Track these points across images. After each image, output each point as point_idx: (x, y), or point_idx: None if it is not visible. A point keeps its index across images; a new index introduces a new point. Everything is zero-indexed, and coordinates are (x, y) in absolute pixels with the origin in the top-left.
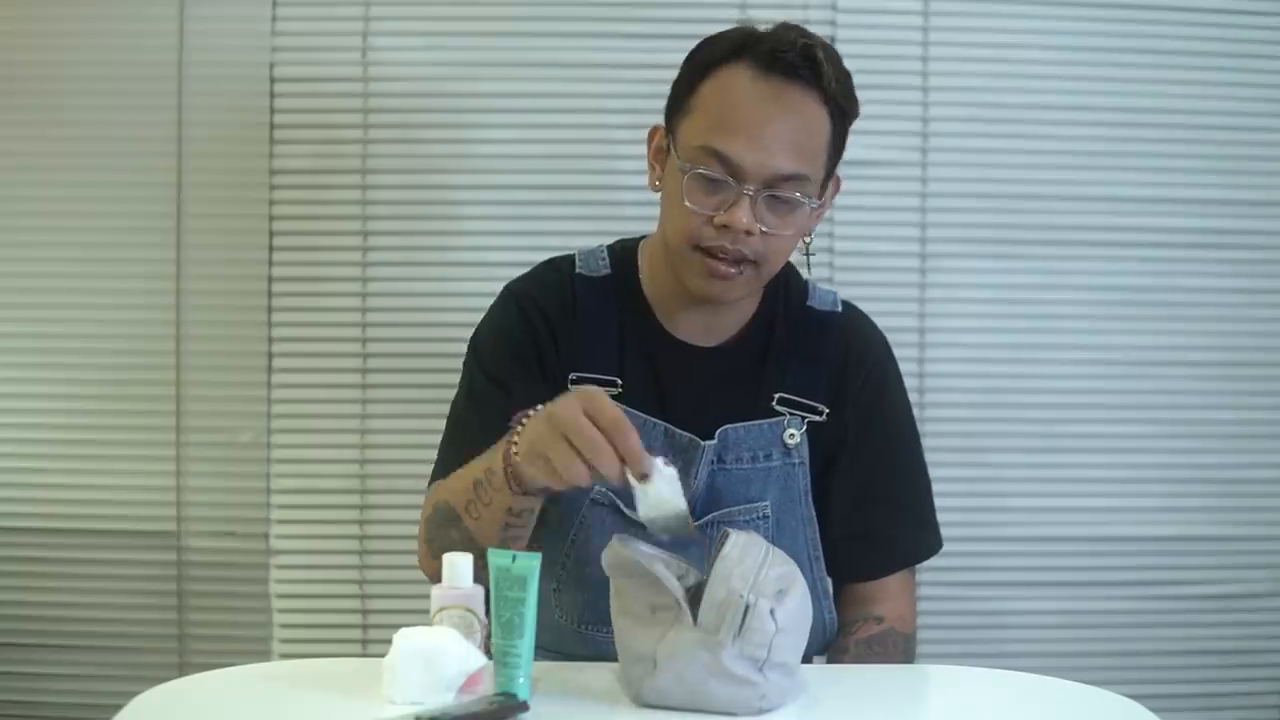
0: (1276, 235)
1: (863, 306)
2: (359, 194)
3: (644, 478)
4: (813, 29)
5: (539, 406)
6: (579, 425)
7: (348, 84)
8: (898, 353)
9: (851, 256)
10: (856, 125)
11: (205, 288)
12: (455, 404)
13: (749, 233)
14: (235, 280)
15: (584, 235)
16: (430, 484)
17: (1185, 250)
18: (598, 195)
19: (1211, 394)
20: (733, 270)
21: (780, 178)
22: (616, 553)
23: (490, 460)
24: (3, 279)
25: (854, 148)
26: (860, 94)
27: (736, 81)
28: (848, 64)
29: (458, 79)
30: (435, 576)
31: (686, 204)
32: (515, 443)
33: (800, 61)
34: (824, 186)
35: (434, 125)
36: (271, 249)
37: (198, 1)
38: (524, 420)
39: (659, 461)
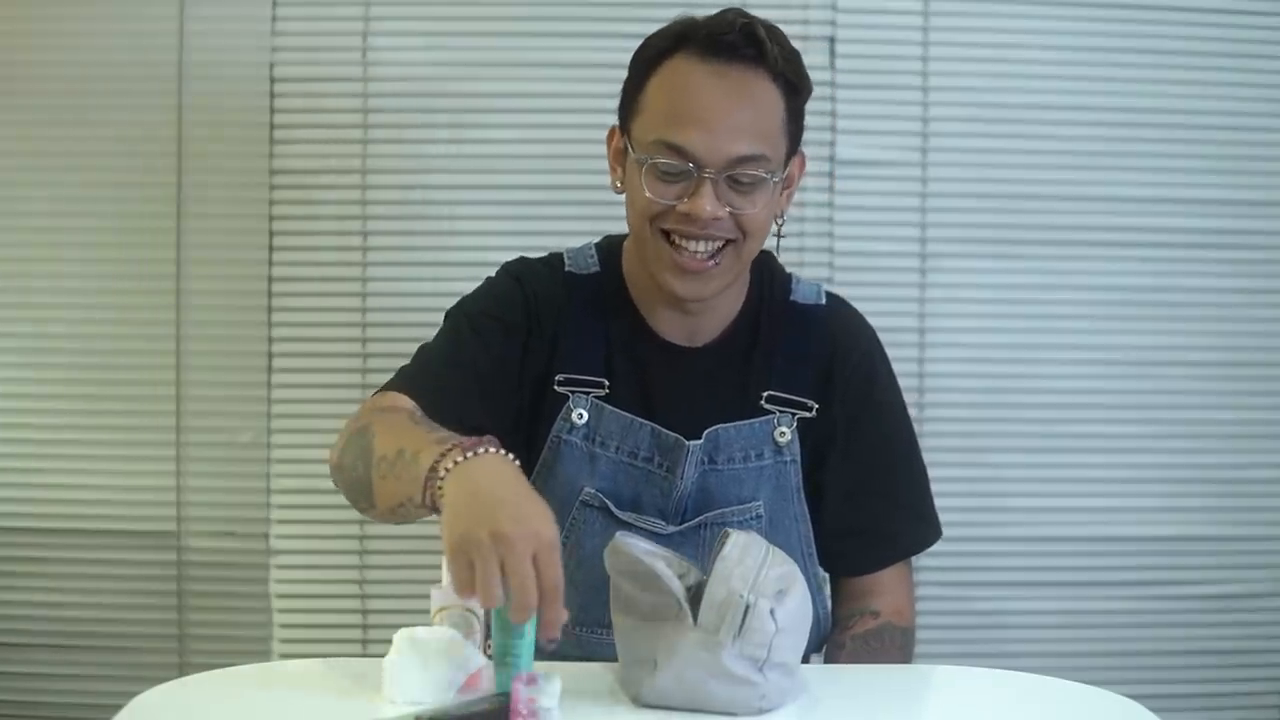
0: (1276, 235)
1: (862, 306)
2: (359, 194)
3: (551, 641)
4: (813, 29)
5: (495, 449)
6: (523, 571)
7: (348, 84)
8: (898, 353)
9: (851, 256)
10: (857, 125)
11: (205, 288)
12: (427, 343)
13: (715, 218)
14: (235, 280)
15: (583, 235)
16: (378, 392)
17: (1185, 250)
18: (597, 195)
19: (1211, 394)
20: (708, 263)
21: (737, 160)
22: (618, 551)
23: (423, 447)
24: (3, 279)
25: (854, 148)
26: (860, 94)
27: (682, 72)
28: (848, 64)
29: (458, 79)
30: (337, 472)
31: (649, 195)
32: (447, 472)
33: (742, 42)
34: (786, 163)
35: (434, 125)
36: (271, 249)
37: (198, 1)
38: (476, 452)
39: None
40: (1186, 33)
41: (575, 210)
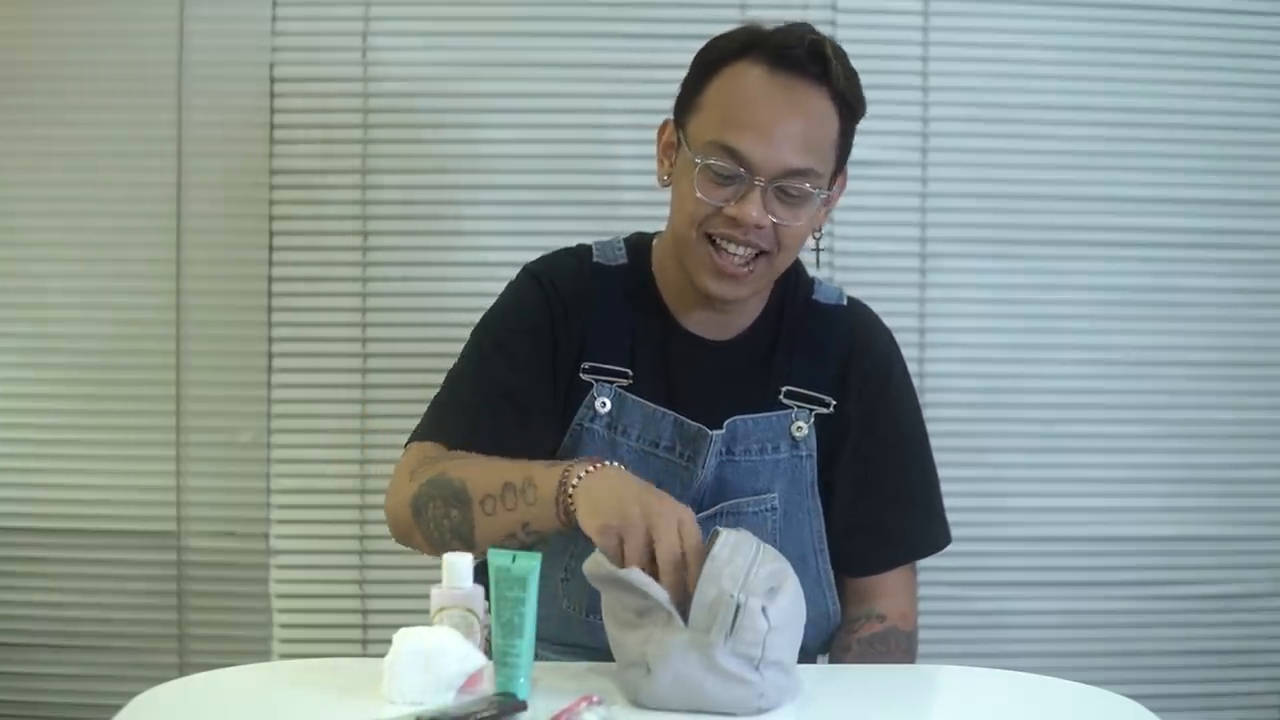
0: (1276, 235)
1: None
2: (359, 194)
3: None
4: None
5: (615, 463)
6: (670, 540)
7: (348, 84)
8: None
9: (851, 256)
10: (857, 125)
11: (205, 288)
12: (456, 367)
13: (759, 226)
14: (235, 280)
15: (584, 235)
16: (413, 439)
17: (1185, 250)
18: (598, 195)
19: (1211, 394)
20: (743, 269)
21: (790, 172)
22: (596, 564)
23: (535, 474)
24: (3, 279)
25: (854, 147)
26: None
27: (745, 78)
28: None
29: (458, 79)
30: (400, 526)
31: (699, 195)
32: (576, 484)
33: (808, 58)
34: (833, 180)
35: (434, 125)
36: (271, 249)
37: (198, 1)
38: (597, 465)
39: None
40: (1186, 33)
41: (575, 210)
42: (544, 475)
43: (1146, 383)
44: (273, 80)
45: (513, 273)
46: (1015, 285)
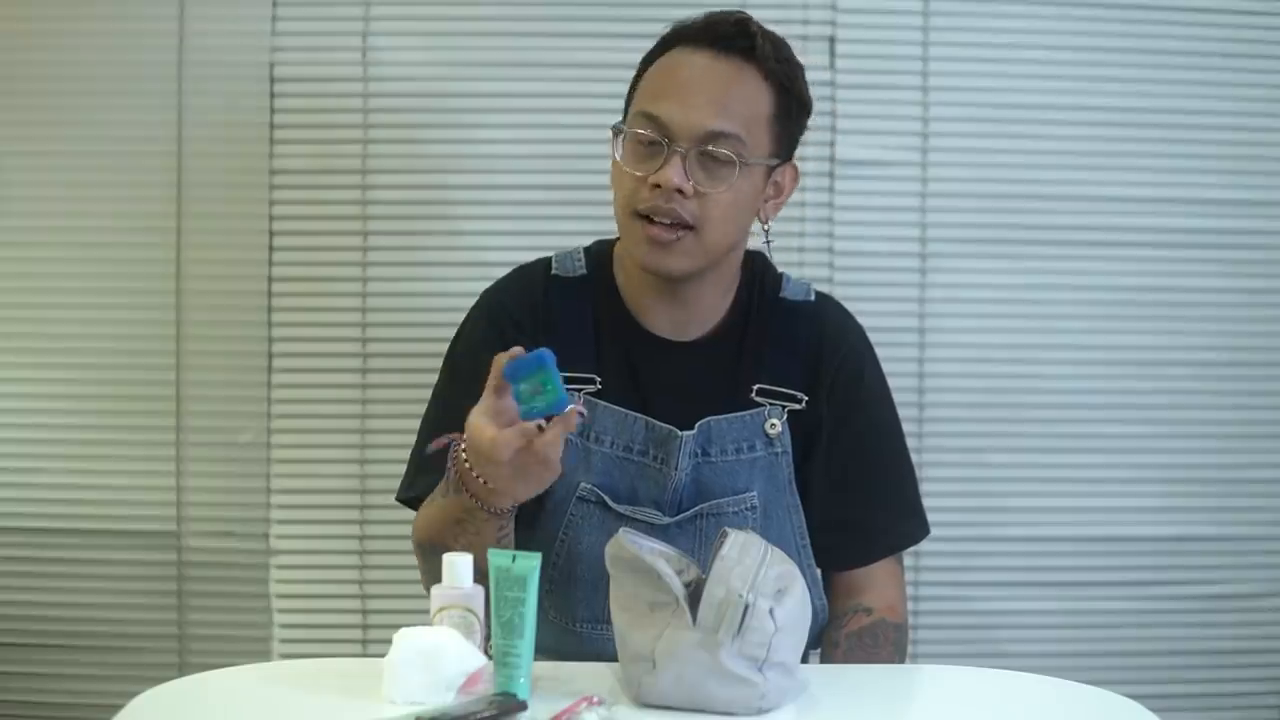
0: (1276, 235)
1: (862, 306)
2: (359, 194)
3: None
4: (812, 29)
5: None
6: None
7: (348, 84)
8: (898, 352)
9: (851, 256)
10: (856, 125)
11: (205, 288)
12: (427, 409)
13: (681, 191)
14: (235, 280)
15: (584, 235)
16: (399, 495)
17: (1185, 250)
18: (597, 195)
19: (1211, 394)
20: (671, 235)
21: (709, 135)
22: (620, 546)
23: (462, 498)
24: (3, 279)
25: (854, 147)
26: (860, 94)
27: (675, 58)
28: (848, 64)
29: (458, 79)
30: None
31: (626, 168)
32: (464, 469)
33: (734, 33)
34: (774, 164)
35: (434, 125)
36: (271, 249)
37: (198, 1)
38: (460, 447)
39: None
40: (1186, 33)
41: (575, 210)
42: (464, 496)
43: (1146, 383)
44: (273, 80)
45: None
46: (1015, 285)
